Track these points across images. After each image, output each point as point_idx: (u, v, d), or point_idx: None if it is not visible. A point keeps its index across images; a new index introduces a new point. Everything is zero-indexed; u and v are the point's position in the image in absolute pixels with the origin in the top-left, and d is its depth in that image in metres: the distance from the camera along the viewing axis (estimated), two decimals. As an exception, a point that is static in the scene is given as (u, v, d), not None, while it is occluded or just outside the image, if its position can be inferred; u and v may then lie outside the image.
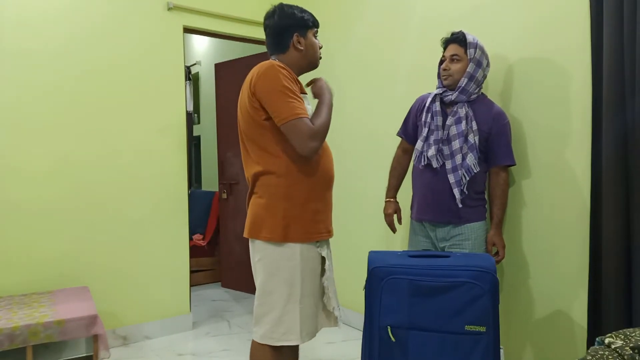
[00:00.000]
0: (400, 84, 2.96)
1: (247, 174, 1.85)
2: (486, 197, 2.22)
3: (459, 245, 2.13)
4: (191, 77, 5.72)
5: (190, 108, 5.51)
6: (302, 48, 1.84)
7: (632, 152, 1.82)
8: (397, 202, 2.46)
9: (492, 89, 2.40)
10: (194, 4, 3.31)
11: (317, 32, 1.90)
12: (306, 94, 1.84)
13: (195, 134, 5.82)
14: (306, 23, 1.85)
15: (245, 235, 1.81)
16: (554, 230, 2.18)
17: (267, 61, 1.76)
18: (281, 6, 1.85)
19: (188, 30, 3.39)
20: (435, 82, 2.69)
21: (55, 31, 2.84)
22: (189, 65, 5.68)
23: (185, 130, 3.33)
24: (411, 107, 2.39)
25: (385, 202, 2.46)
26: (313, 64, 1.92)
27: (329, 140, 1.88)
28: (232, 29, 3.53)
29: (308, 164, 1.76)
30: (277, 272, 1.73)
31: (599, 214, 1.94)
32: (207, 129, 5.56)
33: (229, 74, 4.35)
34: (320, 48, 1.92)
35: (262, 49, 4.01)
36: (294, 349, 1.90)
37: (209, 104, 5.39)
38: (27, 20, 2.76)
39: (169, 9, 3.21)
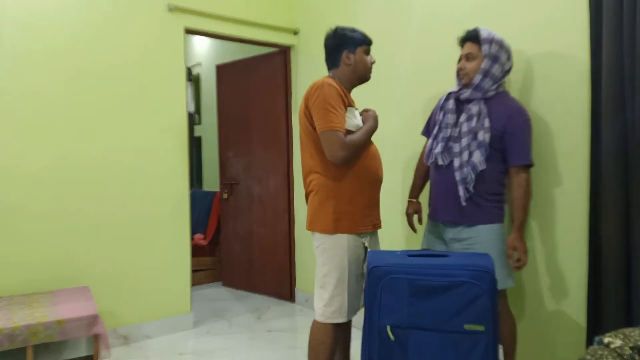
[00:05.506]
0: (400, 85, 2.96)
1: (304, 173, 2.12)
2: (505, 198, 2.14)
3: (470, 249, 2.05)
4: (192, 78, 5.74)
5: (192, 109, 5.52)
6: (350, 63, 2.09)
7: (631, 151, 1.82)
8: (419, 203, 2.40)
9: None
10: (195, 6, 3.31)
11: (368, 49, 2.13)
12: (355, 107, 2.10)
13: (196, 134, 5.84)
14: (355, 41, 2.09)
15: (306, 228, 2.10)
16: (553, 230, 2.18)
17: (321, 78, 2.03)
18: (336, 28, 2.13)
19: (189, 31, 3.39)
20: (436, 81, 2.71)
21: (56, 32, 2.85)
22: (190, 66, 5.69)
23: (187, 130, 3.34)
24: (435, 106, 2.34)
25: (407, 201, 2.42)
26: (363, 78, 2.16)
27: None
28: (233, 30, 3.54)
29: (355, 167, 2.01)
30: (331, 259, 2.00)
31: (599, 214, 1.94)
32: (208, 130, 5.57)
33: (230, 75, 4.36)
34: (373, 63, 2.15)
35: (263, 50, 4.03)
36: (347, 323, 2.20)
37: (210, 104, 5.40)
38: (28, 21, 2.76)
39: (170, 10, 3.22)
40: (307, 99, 2.00)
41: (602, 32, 1.90)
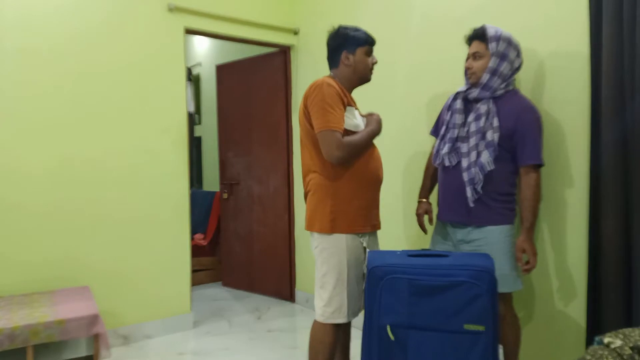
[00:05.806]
0: (400, 84, 2.96)
1: (303, 173, 2.12)
2: (516, 199, 2.10)
3: (478, 251, 2.01)
4: (192, 78, 5.73)
5: (192, 109, 5.52)
6: (350, 64, 2.07)
7: (631, 151, 1.82)
8: (430, 203, 2.37)
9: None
10: (195, 6, 3.31)
11: (370, 49, 2.10)
12: (354, 107, 2.08)
13: (196, 134, 5.84)
14: (356, 41, 2.06)
15: (305, 228, 2.10)
16: (553, 230, 2.18)
17: (321, 78, 2.01)
18: (338, 28, 2.11)
19: (189, 31, 3.39)
20: (437, 81, 2.71)
21: (56, 32, 2.85)
22: (190, 66, 5.70)
23: (187, 130, 3.34)
24: (443, 106, 2.30)
25: (417, 202, 2.39)
26: (363, 79, 2.13)
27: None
28: (233, 30, 3.54)
29: (354, 167, 2.00)
30: (329, 258, 2.00)
31: (599, 214, 1.94)
32: (208, 130, 5.57)
33: (230, 75, 4.36)
34: (375, 64, 2.13)
35: (263, 50, 4.03)
36: (347, 323, 2.15)
37: (210, 104, 5.40)
38: (28, 21, 2.76)
39: (170, 10, 3.22)
40: (306, 99, 2.01)
41: (602, 32, 1.90)
